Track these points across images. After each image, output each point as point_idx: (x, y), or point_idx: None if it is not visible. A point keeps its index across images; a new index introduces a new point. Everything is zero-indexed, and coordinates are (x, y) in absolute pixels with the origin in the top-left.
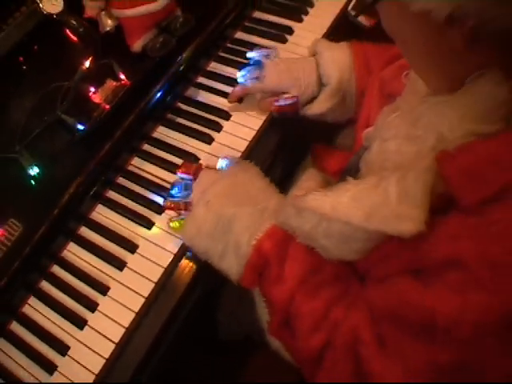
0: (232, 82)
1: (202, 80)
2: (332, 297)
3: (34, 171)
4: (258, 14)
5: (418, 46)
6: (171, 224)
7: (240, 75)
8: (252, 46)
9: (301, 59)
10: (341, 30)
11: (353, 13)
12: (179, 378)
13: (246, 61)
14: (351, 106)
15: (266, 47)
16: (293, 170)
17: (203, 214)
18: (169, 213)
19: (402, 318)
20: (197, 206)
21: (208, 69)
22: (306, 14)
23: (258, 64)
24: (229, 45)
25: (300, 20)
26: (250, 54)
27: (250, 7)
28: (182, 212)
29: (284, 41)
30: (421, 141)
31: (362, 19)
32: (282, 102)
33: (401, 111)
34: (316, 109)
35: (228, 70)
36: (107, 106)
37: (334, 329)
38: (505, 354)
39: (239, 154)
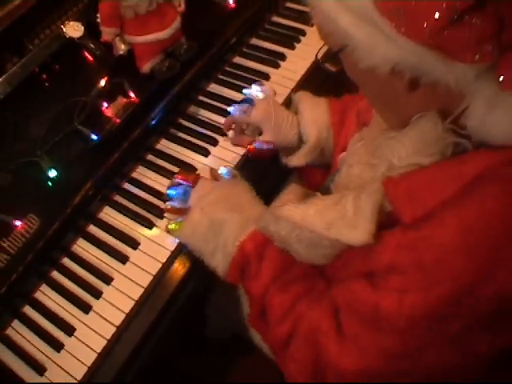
0: (229, 102)
1: (202, 99)
2: (299, 292)
3: (52, 174)
4: (254, 41)
5: (372, 90)
6: (170, 226)
7: (231, 108)
8: (247, 71)
9: (288, 112)
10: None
11: (321, 60)
12: (169, 374)
13: (242, 83)
14: (329, 156)
15: (260, 83)
16: (280, 183)
17: (198, 217)
18: (167, 215)
19: (356, 312)
20: (193, 210)
21: (208, 89)
22: (299, 41)
23: (249, 101)
24: (227, 68)
25: (293, 47)
26: (245, 90)
27: (248, 34)
28: (180, 216)
29: (277, 66)
30: (376, 168)
31: (329, 66)
32: (258, 145)
33: (365, 140)
34: (296, 162)
35: (226, 91)
36: (118, 120)
37: (298, 319)
38: (436, 343)
39: (232, 167)
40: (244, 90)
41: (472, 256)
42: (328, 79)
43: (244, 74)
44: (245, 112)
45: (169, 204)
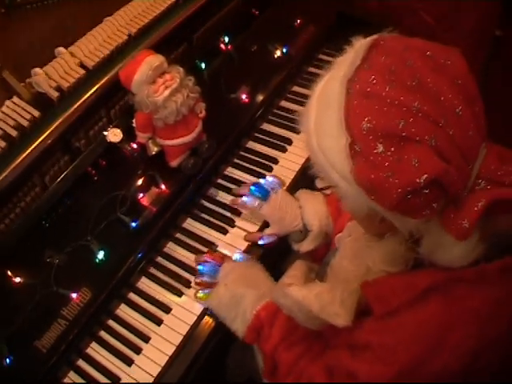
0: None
1: (220, 182)
2: (301, 352)
3: (100, 254)
4: (265, 126)
5: (355, 216)
6: (199, 295)
7: (245, 198)
8: (259, 155)
9: (293, 205)
10: None
11: (319, 186)
12: None
13: (254, 167)
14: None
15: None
16: (286, 253)
17: (223, 291)
18: (194, 286)
19: (341, 373)
20: (219, 285)
21: (225, 173)
22: None
23: (266, 193)
24: (241, 153)
25: (298, 132)
26: (262, 181)
27: (259, 120)
28: (208, 288)
29: (284, 150)
30: (358, 267)
31: (326, 190)
32: (265, 240)
33: (352, 237)
34: (305, 248)
35: (240, 174)
36: (154, 209)
37: (300, 374)
38: None
39: (246, 244)
40: (261, 181)
41: (418, 345)
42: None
43: (256, 158)
44: (256, 204)
45: (199, 278)
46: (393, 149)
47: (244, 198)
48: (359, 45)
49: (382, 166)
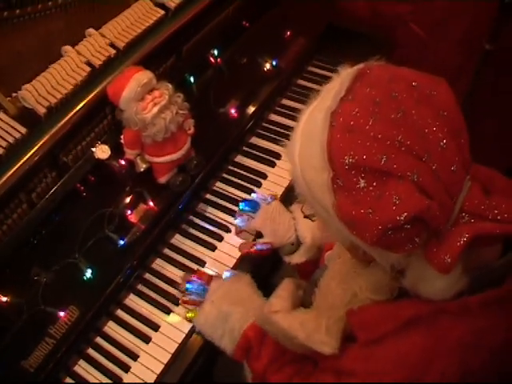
0: (232, 200)
1: (209, 197)
2: (291, 373)
3: (88, 272)
4: (254, 140)
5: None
6: (188, 314)
7: (237, 220)
8: (248, 170)
9: (287, 217)
10: None
11: (306, 212)
12: None
13: (243, 182)
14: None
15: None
16: (276, 268)
17: (209, 309)
18: (183, 304)
19: None
20: (206, 302)
21: (214, 188)
22: None
23: (255, 205)
24: (230, 167)
25: None
26: (253, 195)
27: (249, 134)
28: (195, 307)
29: (273, 165)
30: (344, 292)
31: (311, 217)
32: (258, 247)
33: (341, 259)
34: (296, 260)
35: (229, 190)
36: (142, 226)
37: None
38: None
39: (235, 261)
40: (252, 194)
41: (402, 374)
42: None
43: (245, 173)
44: (247, 220)
45: (186, 297)
46: (375, 184)
47: (236, 221)
48: (345, 74)
49: (364, 202)
